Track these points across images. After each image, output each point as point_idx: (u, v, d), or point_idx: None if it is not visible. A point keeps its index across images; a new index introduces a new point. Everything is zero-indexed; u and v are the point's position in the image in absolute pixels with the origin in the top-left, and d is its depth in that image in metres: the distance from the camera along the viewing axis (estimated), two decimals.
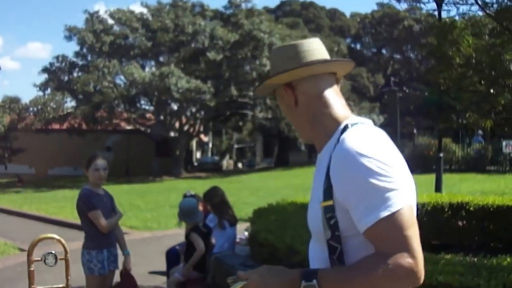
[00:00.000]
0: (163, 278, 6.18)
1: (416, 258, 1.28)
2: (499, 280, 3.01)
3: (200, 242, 4.57)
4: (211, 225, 5.10)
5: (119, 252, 4.21)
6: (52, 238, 2.79)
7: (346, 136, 1.42)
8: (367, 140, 1.41)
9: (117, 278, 4.26)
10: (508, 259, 3.57)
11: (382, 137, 1.49)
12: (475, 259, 3.50)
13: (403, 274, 1.27)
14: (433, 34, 5.71)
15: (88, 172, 4.08)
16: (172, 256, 5.54)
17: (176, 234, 9.33)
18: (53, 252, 2.63)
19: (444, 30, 5.02)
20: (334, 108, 1.53)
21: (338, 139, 1.43)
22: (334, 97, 1.56)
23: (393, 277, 1.28)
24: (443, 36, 5.19)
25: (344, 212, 1.37)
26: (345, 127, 1.47)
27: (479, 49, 5.12)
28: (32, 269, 2.60)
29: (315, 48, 1.60)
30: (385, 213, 1.30)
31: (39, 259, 2.60)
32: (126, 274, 4.16)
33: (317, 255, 1.47)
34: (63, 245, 2.74)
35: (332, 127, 1.50)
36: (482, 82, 4.84)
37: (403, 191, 1.35)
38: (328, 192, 1.39)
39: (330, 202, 1.38)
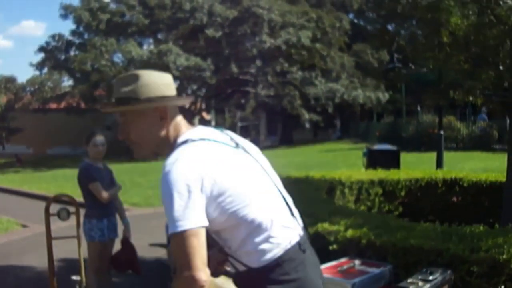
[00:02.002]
0: (163, 250, 6.60)
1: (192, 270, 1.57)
2: (467, 245, 3.35)
3: None
4: None
5: (119, 222, 4.64)
6: (66, 196, 3.28)
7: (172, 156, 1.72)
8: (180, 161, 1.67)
9: (117, 246, 4.68)
10: (481, 228, 3.94)
11: (202, 153, 1.71)
12: (449, 227, 3.87)
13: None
14: (420, 9, 5.93)
15: (88, 148, 4.48)
16: None
17: None
18: (66, 207, 3.08)
19: (431, 9, 5.31)
20: None
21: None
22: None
23: None
24: (431, 14, 5.47)
25: None
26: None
27: (466, 28, 5.38)
28: (49, 221, 3.07)
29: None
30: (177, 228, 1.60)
31: (54, 213, 3.07)
32: (126, 242, 4.59)
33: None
34: (74, 202, 3.19)
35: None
36: (466, 60, 5.14)
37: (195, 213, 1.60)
38: None
39: None
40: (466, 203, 7.34)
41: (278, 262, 1.73)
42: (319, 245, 3.70)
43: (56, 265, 6.43)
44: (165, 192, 1.62)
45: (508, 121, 20.76)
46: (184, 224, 1.58)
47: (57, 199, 3.35)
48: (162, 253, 6.64)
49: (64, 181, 15.86)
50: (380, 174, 7.40)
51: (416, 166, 12.04)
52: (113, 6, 26.21)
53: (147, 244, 6.97)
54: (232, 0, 25.66)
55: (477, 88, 5.22)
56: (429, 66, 6.38)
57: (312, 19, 27.15)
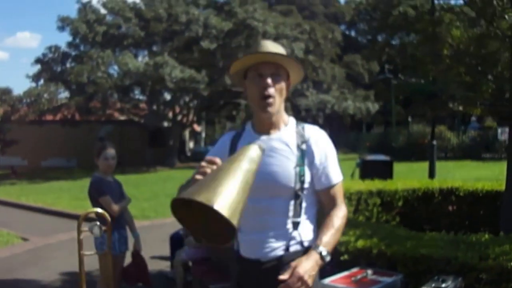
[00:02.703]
0: (166, 263, 6.58)
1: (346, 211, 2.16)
2: (475, 253, 3.40)
3: None
4: None
5: (129, 235, 4.63)
6: (98, 213, 3.26)
7: (313, 127, 2.19)
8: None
9: (128, 259, 4.67)
10: (486, 236, 3.99)
11: None
12: (456, 236, 3.91)
13: (346, 219, 2.12)
14: (421, 23, 6.02)
15: (98, 161, 4.46)
16: (176, 240, 5.92)
17: (174, 222, 9.65)
18: (98, 223, 3.05)
19: (433, 24, 5.38)
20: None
21: (302, 128, 2.15)
22: None
23: (344, 220, 2.10)
24: (432, 29, 5.54)
25: (310, 172, 2.09)
26: (296, 122, 2.21)
27: (466, 40, 5.46)
28: (81, 238, 3.04)
29: None
30: (341, 178, 2.18)
31: (86, 229, 3.04)
32: (137, 255, 4.57)
33: (276, 206, 2.06)
34: (106, 218, 3.17)
35: (286, 118, 2.19)
36: (466, 72, 5.21)
37: None
38: (301, 159, 2.07)
39: (303, 165, 2.06)
40: (462, 212, 7.37)
41: None
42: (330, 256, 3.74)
43: (60, 278, 6.43)
44: (332, 148, 2.19)
45: (499, 131, 21.04)
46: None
47: (87, 215, 3.30)
48: (164, 265, 6.62)
49: (60, 193, 15.79)
50: (378, 184, 7.42)
51: (407, 176, 12.09)
52: (109, 18, 26.20)
53: (148, 257, 6.96)
54: (227, 12, 25.77)
55: (478, 99, 5.28)
56: (428, 78, 6.44)
57: (305, 31, 27.34)
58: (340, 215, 2.07)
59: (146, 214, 11.63)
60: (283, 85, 2.08)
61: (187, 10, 25.04)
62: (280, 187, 2.04)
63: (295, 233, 2.06)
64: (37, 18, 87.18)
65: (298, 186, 2.04)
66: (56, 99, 25.66)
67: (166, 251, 6.36)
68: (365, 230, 3.83)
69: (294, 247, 2.06)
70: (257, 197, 1.95)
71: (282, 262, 2.01)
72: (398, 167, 12.17)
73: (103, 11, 26.15)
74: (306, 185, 2.07)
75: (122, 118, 28.92)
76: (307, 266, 1.85)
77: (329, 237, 1.97)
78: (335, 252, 3.62)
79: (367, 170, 10.33)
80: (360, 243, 3.54)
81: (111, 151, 4.44)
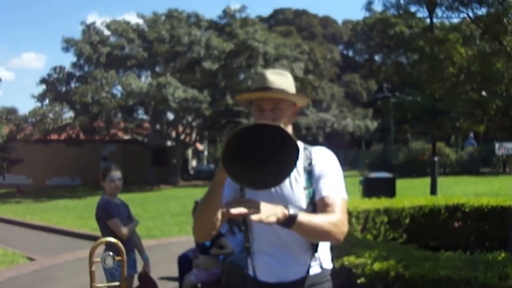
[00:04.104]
0: (174, 283, 6.38)
1: (345, 227, 1.95)
2: (494, 272, 3.27)
3: (228, 243, 4.83)
4: (223, 231, 5.34)
5: (138, 257, 4.45)
6: (110, 242, 3.06)
7: (320, 148, 2.16)
8: None
9: (136, 282, 4.50)
10: (503, 254, 3.84)
11: None
12: (472, 255, 3.77)
13: (338, 231, 1.90)
14: (426, 39, 5.95)
15: (104, 183, 4.31)
16: (185, 262, 5.75)
17: (181, 242, 9.54)
18: (111, 253, 2.87)
19: (438, 42, 5.29)
20: None
21: (309, 151, 2.11)
22: None
23: (334, 227, 1.89)
24: (437, 47, 5.45)
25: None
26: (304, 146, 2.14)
27: (471, 58, 5.38)
28: (93, 269, 2.86)
29: None
30: (344, 195, 2.04)
31: (99, 260, 2.86)
32: (146, 278, 4.39)
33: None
34: (120, 248, 2.98)
35: None
36: (473, 90, 5.11)
37: None
38: (309, 180, 2.03)
39: (311, 187, 2.02)
40: (467, 228, 7.26)
41: None
42: (346, 279, 3.59)
43: None
44: (337, 166, 2.12)
45: (497, 146, 20.95)
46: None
47: (100, 243, 3.11)
48: (172, 286, 6.42)
49: (66, 212, 15.60)
50: (384, 202, 7.30)
51: (409, 192, 11.98)
52: (113, 39, 26.28)
53: (156, 278, 6.76)
54: (228, 34, 25.84)
55: (484, 116, 5.17)
56: (430, 96, 6.34)
57: (305, 51, 27.43)
58: (332, 219, 1.91)
59: (152, 233, 11.43)
60: (284, 116, 2.09)
61: (189, 31, 25.13)
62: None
63: (314, 255, 2.04)
64: (42, 39, 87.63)
65: (310, 208, 1.99)
66: (61, 119, 25.61)
67: (174, 272, 6.18)
68: (380, 251, 3.67)
69: (314, 269, 2.04)
70: None
71: (304, 285, 2.00)
72: (400, 184, 12.09)
73: (106, 32, 26.26)
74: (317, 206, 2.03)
75: (126, 137, 28.87)
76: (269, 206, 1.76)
77: (308, 216, 1.85)
78: (351, 275, 3.47)
79: (370, 188, 10.30)
80: (377, 266, 3.39)
81: (116, 173, 4.30)
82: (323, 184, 2.01)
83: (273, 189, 1.89)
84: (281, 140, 1.71)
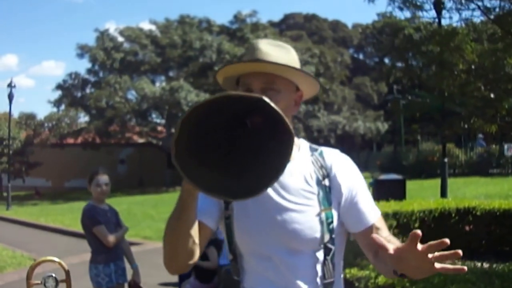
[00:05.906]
0: None
1: None
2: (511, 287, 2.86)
3: (215, 256, 4.45)
4: (221, 238, 4.98)
5: (127, 265, 4.10)
6: (53, 261, 2.65)
7: (333, 151, 1.54)
8: None
9: None
10: None
11: None
12: (487, 267, 3.35)
13: None
14: (435, 41, 5.57)
15: (91, 188, 3.98)
16: None
17: None
18: (53, 275, 2.50)
19: (447, 37, 4.89)
20: None
21: (320, 154, 1.51)
22: None
23: None
24: (445, 43, 5.06)
25: (337, 214, 1.45)
26: (309, 145, 1.56)
27: (482, 54, 4.98)
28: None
29: None
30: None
31: (39, 282, 2.46)
32: (135, 286, 4.03)
33: (303, 264, 1.42)
34: (64, 268, 2.60)
35: (296, 140, 1.50)
36: (485, 87, 4.70)
37: None
38: (327, 199, 1.43)
39: (330, 208, 1.43)
40: (479, 232, 6.87)
41: None
42: None
43: None
44: (361, 175, 1.54)
45: (506, 147, 20.42)
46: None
47: (39, 263, 2.69)
48: None
49: (79, 214, 15.21)
50: (394, 206, 6.90)
51: (419, 194, 11.59)
52: (126, 45, 26.22)
53: (156, 283, 6.43)
54: (239, 38, 25.57)
55: (497, 115, 4.75)
56: (444, 95, 5.93)
57: (315, 54, 27.06)
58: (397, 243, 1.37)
59: (161, 235, 11.06)
60: (280, 101, 1.38)
61: (201, 36, 24.92)
62: (303, 241, 1.41)
63: None
64: (61, 47, 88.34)
65: (327, 237, 1.41)
66: (76, 123, 25.62)
67: (175, 277, 5.84)
68: None
69: None
70: (272, 252, 1.42)
71: None
72: (410, 185, 11.68)
73: (120, 38, 26.26)
74: (336, 233, 1.44)
75: (141, 140, 28.71)
76: None
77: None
78: None
79: (380, 190, 9.94)
80: (381, 280, 2.98)
81: (103, 177, 3.95)
82: (362, 208, 1.46)
83: (273, 212, 1.39)
84: (267, 122, 1.14)
